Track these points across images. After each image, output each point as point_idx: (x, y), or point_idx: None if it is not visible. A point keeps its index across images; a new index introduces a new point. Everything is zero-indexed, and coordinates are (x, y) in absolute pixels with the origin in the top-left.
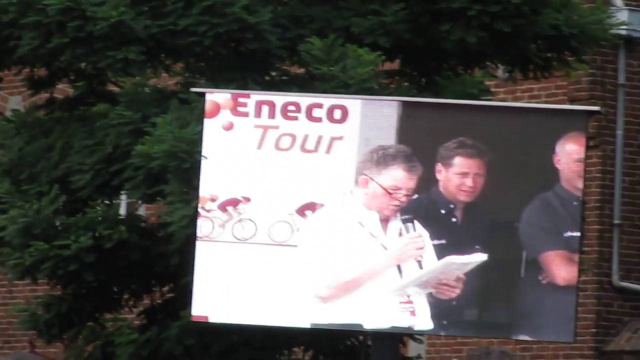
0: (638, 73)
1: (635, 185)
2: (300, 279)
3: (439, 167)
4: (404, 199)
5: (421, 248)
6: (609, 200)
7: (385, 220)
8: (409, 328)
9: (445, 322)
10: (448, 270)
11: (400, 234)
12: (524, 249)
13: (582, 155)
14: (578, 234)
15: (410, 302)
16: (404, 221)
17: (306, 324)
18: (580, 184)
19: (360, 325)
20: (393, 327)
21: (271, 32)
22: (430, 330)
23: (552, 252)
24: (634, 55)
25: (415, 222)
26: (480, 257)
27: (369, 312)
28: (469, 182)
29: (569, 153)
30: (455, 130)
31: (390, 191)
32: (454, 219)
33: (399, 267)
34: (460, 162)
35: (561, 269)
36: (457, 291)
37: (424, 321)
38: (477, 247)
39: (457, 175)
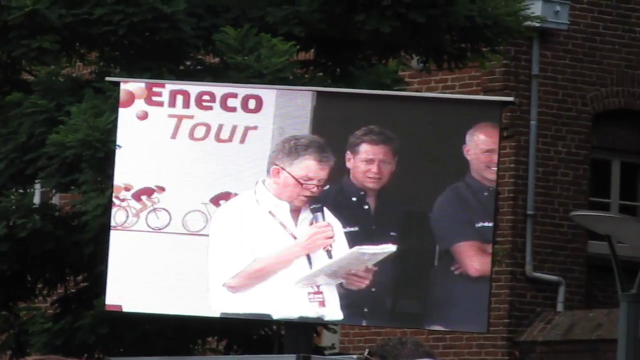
0: (552, 64)
1: (549, 176)
2: (212, 268)
3: (348, 155)
4: (315, 189)
5: (330, 237)
6: (523, 190)
7: (296, 211)
8: (319, 318)
9: (365, 311)
10: (357, 261)
11: (311, 225)
12: (437, 240)
13: (492, 145)
14: (490, 224)
15: (320, 292)
16: (313, 210)
17: (217, 314)
18: (490, 175)
19: (269, 316)
20: (301, 317)
21: (186, 22)
22: (342, 320)
23: (465, 243)
24: (548, 46)
25: (325, 211)
26: (389, 248)
27: (278, 302)
28: (374, 168)
29: (480, 143)
30: (368, 120)
31: (302, 181)
32: (365, 207)
33: (308, 257)
34: (365, 149)
35: (474, 259)
36: (367, 282)
37: (333, 311)
38: (392, 234)
39: (363, 162)
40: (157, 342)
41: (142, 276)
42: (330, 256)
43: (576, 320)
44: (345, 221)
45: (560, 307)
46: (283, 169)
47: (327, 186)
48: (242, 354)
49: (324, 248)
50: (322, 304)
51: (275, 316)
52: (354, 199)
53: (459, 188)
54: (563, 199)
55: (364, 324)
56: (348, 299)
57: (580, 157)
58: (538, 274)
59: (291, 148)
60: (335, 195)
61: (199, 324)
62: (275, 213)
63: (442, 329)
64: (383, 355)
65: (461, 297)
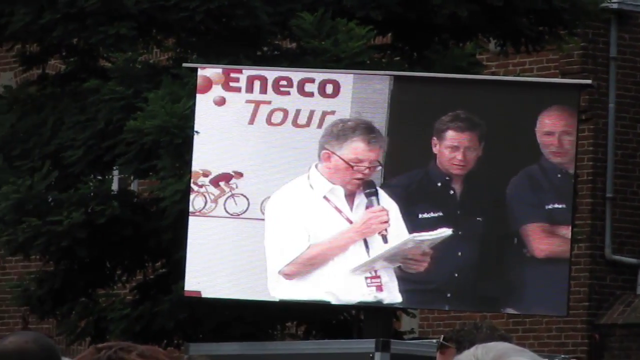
0: (630, 46)
1: (627, 159)
2: (268, 254)
3: (434, 141)
4: (366, 171)
5: (385, 222)
6: (602, 173)
7: (351, 195)
8: (378, 302)
9: (448, 296)
10: (414, 246)
11: (367, 208)
12: (509, 223)
13: (569, 128)
14: (562, 205)
15: (378, 277)
16: (368, 195)
17: (275, 299)
18: (564, 158)
19: (328, 302)
20: (360, 302)
21: (262, 8)
22: (423, 305)
23: (532, 225)
24: (626, 28)
25: (380, 195)
26: (445, 232)
27: (336, 288)
28: (459, 156)
29: (556, 126)
30: (447, 104)
31: (352, 164)
32: (451, 192)
33: (365, 243)
34: (451, 136)
35: (540, 241)
36: (425, 265)
37: (392, 295)
38: (478, 219)
39: (448, 149)
40: (236, 327)
41: (220, 262)
42: (385, 241)
43: None
44: (430, 206)
45: None
46: (333, 153)
47: (379, 167)
48: (321, 339)
49: (379, 233)
50: (380, 288)
51: (334, 302)
52: (439, 184)
53: (532, 170)
54: None
55: (446, 308)
56: (430, 284)
57: None
58: (618, 257)
59: (339, 131)
60: (419, 180)
61: (278, 309)
62: (330, 198)
63: (518, 313)
64: (459, 340)
65: (540, 280)
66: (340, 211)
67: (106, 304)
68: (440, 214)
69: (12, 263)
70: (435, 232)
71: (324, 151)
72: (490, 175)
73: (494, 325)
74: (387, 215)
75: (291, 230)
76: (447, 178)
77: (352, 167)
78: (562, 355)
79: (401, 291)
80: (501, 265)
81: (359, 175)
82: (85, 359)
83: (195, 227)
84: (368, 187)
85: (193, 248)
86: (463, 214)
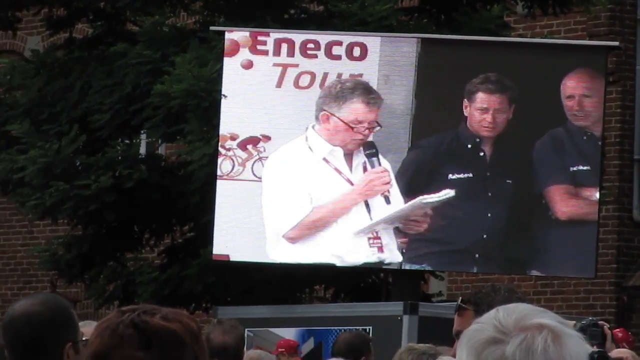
0: None
1: None
2: (268, 217)
3: (465, 103)
4: (366, 132)
5: (388, 183)
6: (629, 135)
7: (349, 155)
8: (379, 263)
9: (477, 257)
10: (419, 209)
11: (365, 169)
12: (534, 185)
13: (588, 91)
14: (587, 167)
15: (378, 237)
16: (369, 156)
17: (306, 260)
18: (587, 120)
19: (333, 264)
20: (365, 264)
21: None
22: (452, 267)
23: (555, 187)
24: None
25: (380, 156)
26: (449, 193)
27: (340, 250)
28: (488, 118)
29: (577, 89)
30: (476, 67)
31: (352, 125)
32: (481, 153)
33: (367, 205)
34: (481, 98)
35: (562, 203)
36: (425, 225)
37: (392, 255)
38: (508, 181)
39: (478, 111)
40: (264, 290)
41: (248, 226)
42: (388, 202)
43: None
44: (460, 167)
45: None
46: (332, 114)
47: (378, 128)
48: (350, 301)
49: (382, 194)
50: (381, 249)
51: (339, 264)
52: (469, 145)
53: (557, 133)
54: None
55: (474, 270)
56: (459, 245)
57: None
58: None
59: (337, 92)
60: (449, 142)
61: (307, 272)
62: (330, 159)
63: (543, 275)
64: (477, 302)
65: (563, 242)
66: (340, 172)
67: (134, 267)
68: (470, 175)
69: (40, 227)
70: (440, 193)
71: (323, 112)
72: (520, 138)
73: (512, 288)
74: (389, 175)
75: (293, 193)
76: (477, 140)
77: (352, 128)
78: (590, 318)
79: (428, 253)
80: (528, 227)
81: (359, 137)
82: (109, 321)
83: (223, 190)
84: (368, 148)
85: (221, 211)
86: (493, 175)
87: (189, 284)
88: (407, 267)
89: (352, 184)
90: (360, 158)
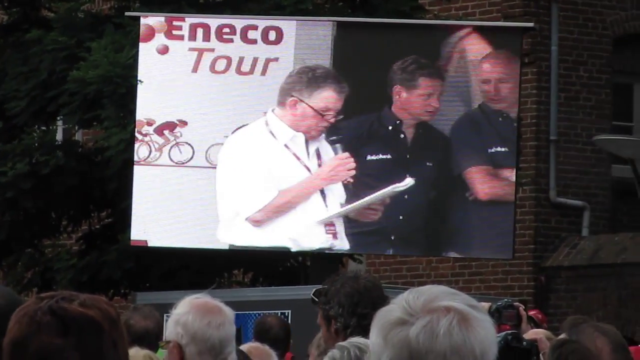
0: None
1: (571, 101)
2: (223, 200)
3: (397, 88)
4: (332, 120)
5: (352, 169)
6: (545, 116)
7: (308, 142)
8: (329, 248)
9: (392, 239)
10: (386, 197)
11: (319, 156)
12: (452, 166)
13: (505, 75)
14: (505, 149)
15: (333, 225)
16: (332, 142)
17: (225, 246)
18: (503, 104)
19: (288, 249)
20: (320, 249)
21: None
22: (368, 249)
23: (475, 168)
24: None
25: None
26: (410, 182)
27: (297, 235)
28: (434, 102)
29: (493, 73)
30: (395, 50)
31: (322, 113)
32: (401, 135)
33: (322, 194)
34: (425, 83)
35: (483, 184)
36: (379, 214)
37: (342, 242)
38: (428, 164)
39: (422, 97)
40: (183, 276)
41: (166, 211)
42: (348, 190)
43: (601, 244)
44: (379, 149)
45: (585, 231)
46: (301, 100)
47: (341, 116)
48: (269, 286)
49: (344, 181)
50: (335, 236)
51: (294, 249)
52: (390, 127)
53: (475, 115)
54: (586, 124)
55: (390, 252)
56: (375, 226)
57: (602, 82)
58: (562, 199)
59: (309, 79)
60: (370, 124)
61: (225, 257)
62: (290, 146)
63: (460, 256)
64: (321, 293)
65: (481, 223)
66: (298, 158)
67: (52, 254)
68: (389, 156)
69: None
70: (403, 182)
71: (291, 98)
72: (442, 120)
73: (357, 276)
74: (354, 162)
75: (257, 177)
76: (397, 122)
77: (322, 115)
78: (506, 299)
79: (347, 235)
80: (446, 209)
81: (325, 124)
82: (27, 308)
83: (140, 176)
84: (332, 134)
85: (138, 197)
86: (412, 158)
87: (107, 270)
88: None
89: (309, 170)
90: (315, 145)
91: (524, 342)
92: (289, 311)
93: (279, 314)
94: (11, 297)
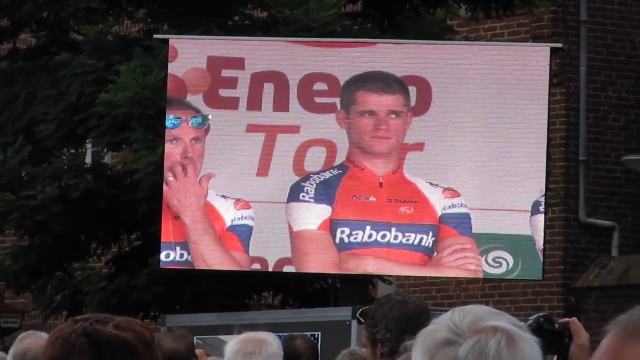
0: (600, 9)
1: (600, 121)
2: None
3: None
4: None
5: None
6: (574, 137)
7: None
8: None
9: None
10: None
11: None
12: None
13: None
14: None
15: None
16: None
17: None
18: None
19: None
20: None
21: None
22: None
23: None
24: None
25: None
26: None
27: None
28: None
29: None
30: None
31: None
32: None
33: None
34: None
35: None
36: None
37: None
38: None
39: None
40: (213, 298)
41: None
42: None
43: (631, 264)
44: None
45: (614, 252)
46: None
47: None
48: (298, 307)
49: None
50: None
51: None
52: None
53: None
54: (615, 144)
55: (420, 273)
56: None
57: (630, 102)
58: (592, 220)
59: None
60: None
61: (254, 279)
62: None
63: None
64: (367, 315)
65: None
66: None
67: (82, 277)
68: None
69: None
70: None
71: None
72: None
73: (405, 299)
74: None
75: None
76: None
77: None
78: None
79: None
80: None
81: None
82: (62, 331)
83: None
84: None
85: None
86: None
87: (137, 293)
88: None
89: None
90: None
91: (556, 324)
92: (319, 333)
93: (309, 335)
94: None
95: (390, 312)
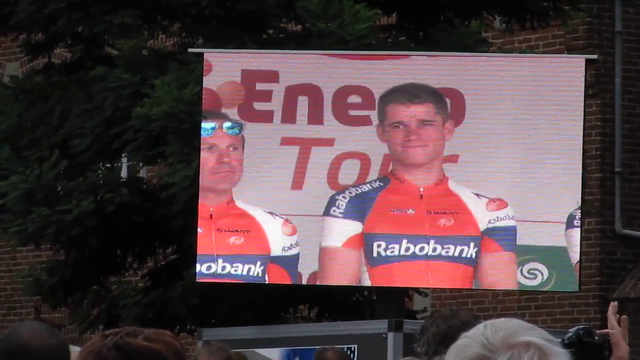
0: (635, 20)
1: (635, 132)
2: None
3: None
4: None
5: None
6: (610, 148)
7: None
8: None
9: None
10: None
11: None
12: None
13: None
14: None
15: None
16: None
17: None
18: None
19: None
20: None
21: None
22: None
23: None
24: (630, 2)
25: None
26: None
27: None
28: None
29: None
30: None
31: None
32: None
33: None
34: None
35: None
36: None
37: None
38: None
39: None
40: (249, 311)
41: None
42: None
43: None
44: None
45: None
46: None
47: None
48: (334, 320)
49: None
50: None
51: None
52: None
53: None
54: None
55: (456, 286)
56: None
57: None
58: (628, 231)
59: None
60: None
61: (290, 292)
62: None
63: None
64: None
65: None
66: None
67: (118, 291)
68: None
69: (23, 253)
70: None
71: None
72: None
73: (455, 313)
74: None
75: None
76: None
77: None
78: (578, 325)
79: None
80: None
81: None
82: (93, 346)
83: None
84: None
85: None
86: None
87: (173, 307)
88: None
89: None
90: None
91: (596, 337)
92: (355, 346)
93: (345, 349)
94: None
95: (432, 327)
